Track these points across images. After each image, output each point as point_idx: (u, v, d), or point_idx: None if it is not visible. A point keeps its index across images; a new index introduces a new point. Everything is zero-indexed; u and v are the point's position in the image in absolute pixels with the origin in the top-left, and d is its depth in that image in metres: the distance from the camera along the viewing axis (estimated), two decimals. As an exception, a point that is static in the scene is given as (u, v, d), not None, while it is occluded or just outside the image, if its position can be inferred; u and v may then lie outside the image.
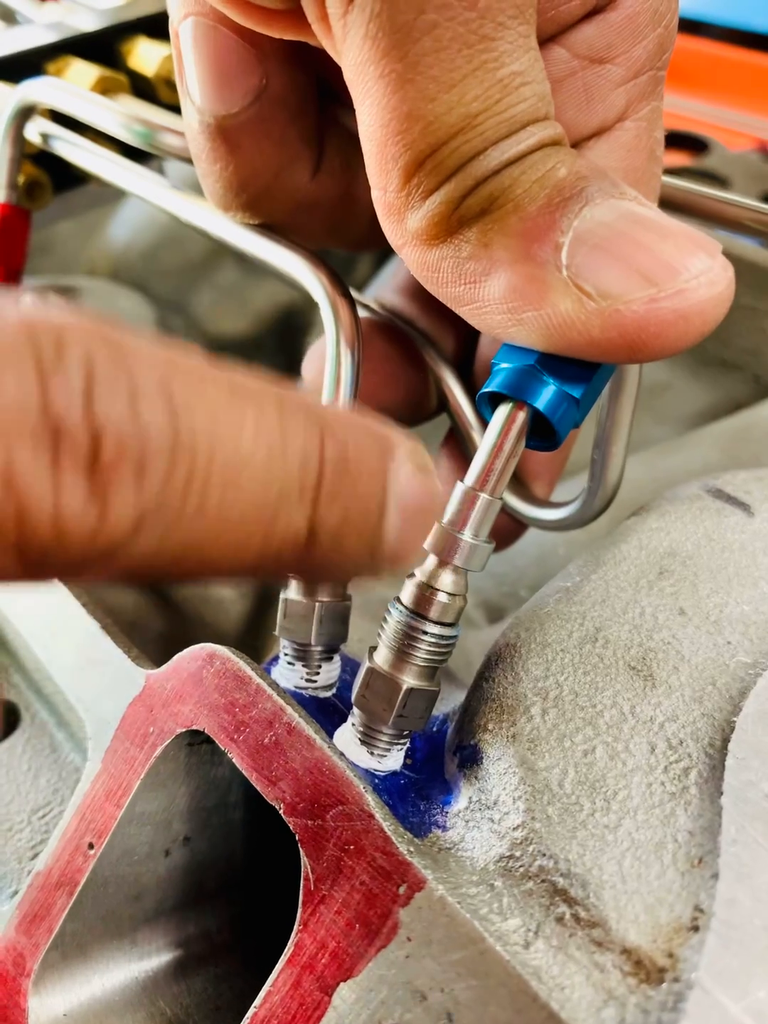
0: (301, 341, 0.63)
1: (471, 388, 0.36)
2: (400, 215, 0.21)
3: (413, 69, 0.19)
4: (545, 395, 0.22)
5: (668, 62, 0.26)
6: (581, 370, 0.22)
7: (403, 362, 0.34)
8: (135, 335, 0.15)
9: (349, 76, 0.21)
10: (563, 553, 0.43)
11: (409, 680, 0.24)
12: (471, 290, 0.21)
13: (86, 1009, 0.28)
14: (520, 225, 0.20)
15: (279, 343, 0.64)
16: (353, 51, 0.20)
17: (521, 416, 0.23)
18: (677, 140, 0.87)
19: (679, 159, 0.86)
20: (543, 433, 0.23)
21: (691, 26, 1.05)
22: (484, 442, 0.23)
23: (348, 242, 0.32)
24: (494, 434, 0.23)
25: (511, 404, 0.23)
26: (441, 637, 0.24)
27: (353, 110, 0.30)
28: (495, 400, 0.24)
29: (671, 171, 0.82)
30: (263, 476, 0.16)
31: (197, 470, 0.15)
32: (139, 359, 0.15)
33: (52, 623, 0.31)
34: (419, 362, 0.34)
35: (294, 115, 0.27)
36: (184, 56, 0.26)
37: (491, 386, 0.23)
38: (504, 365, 0.23)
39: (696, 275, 0.19)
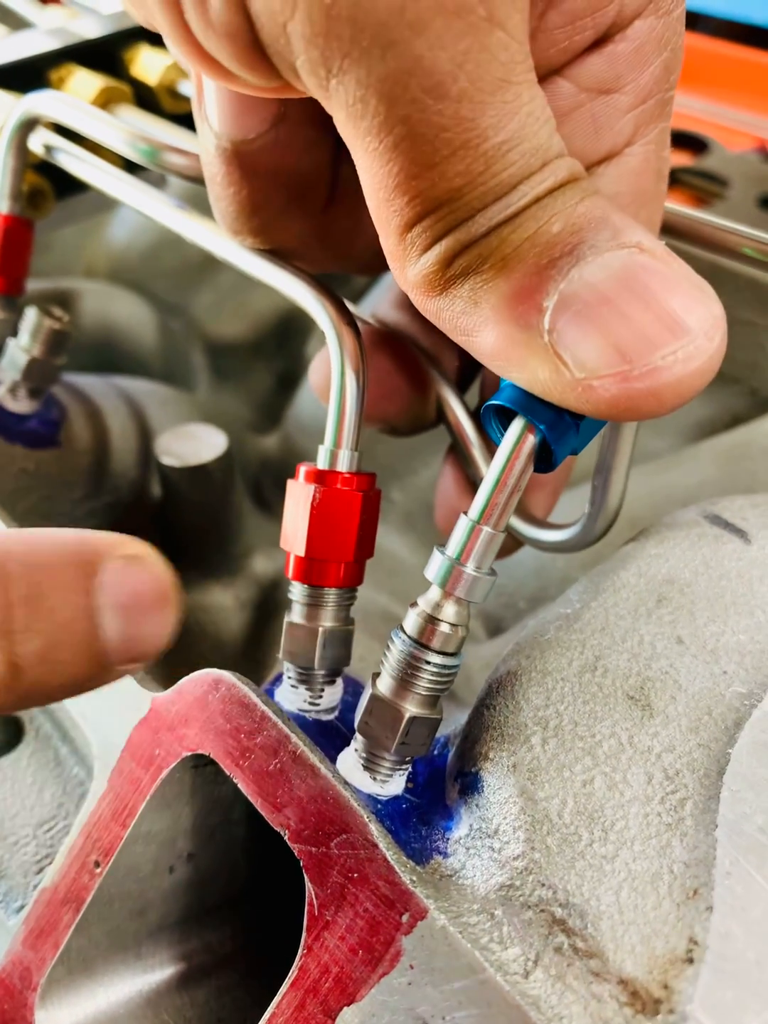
0: (301, 345, 0.64)
1: (473, 401, 0.36)
2: (401, 265, 0.22)
3: (393, 150, 0.20)
4: (549, 417, 0.23)
5: (676, 83, 0.27)
6: None
7: (403, 375, 0.34)
8: None
9: (342, 136, 0.21)
10: (561, 565, 0.44)
11: (412, 708, 0.25)
12: (466, 340, 0.22)
13: (92, 1022, 0.29)
14: (507, 287, 0.20)
15: (278, 346, 0.64)
16: (340, 123, 0.20)
17: (530, 441, 0.23)
18: (676, 139, 0.87)
19: (678, 159, 0.86)
20: (540, 456, 0.24)
21: (689, 19, 1.05)
22: (490, 472, 0.24)
23: (353, 268, 0.32)
24: (500, 465, 0.24)
25: (520, 427, 0.23)
26: (443, 667, 0.25)
27: None
28: (500, 414, 0.24)
29: (670, 171, 0.80)
30: None
31: None
32: None
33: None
34: (419, 375, 0.34)
35: (310, 145, 0.27)
36: (206, 82, 0.26)
37: (498, 400, 0.23)
38: (506, 382, 0.23)
39: (674, 350, 0.19)
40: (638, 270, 0.20)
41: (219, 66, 0.21)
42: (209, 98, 0.26)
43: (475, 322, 0.21)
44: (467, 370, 0.36)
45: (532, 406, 0.23)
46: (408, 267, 0.22)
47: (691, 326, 0.19)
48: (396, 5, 0.18)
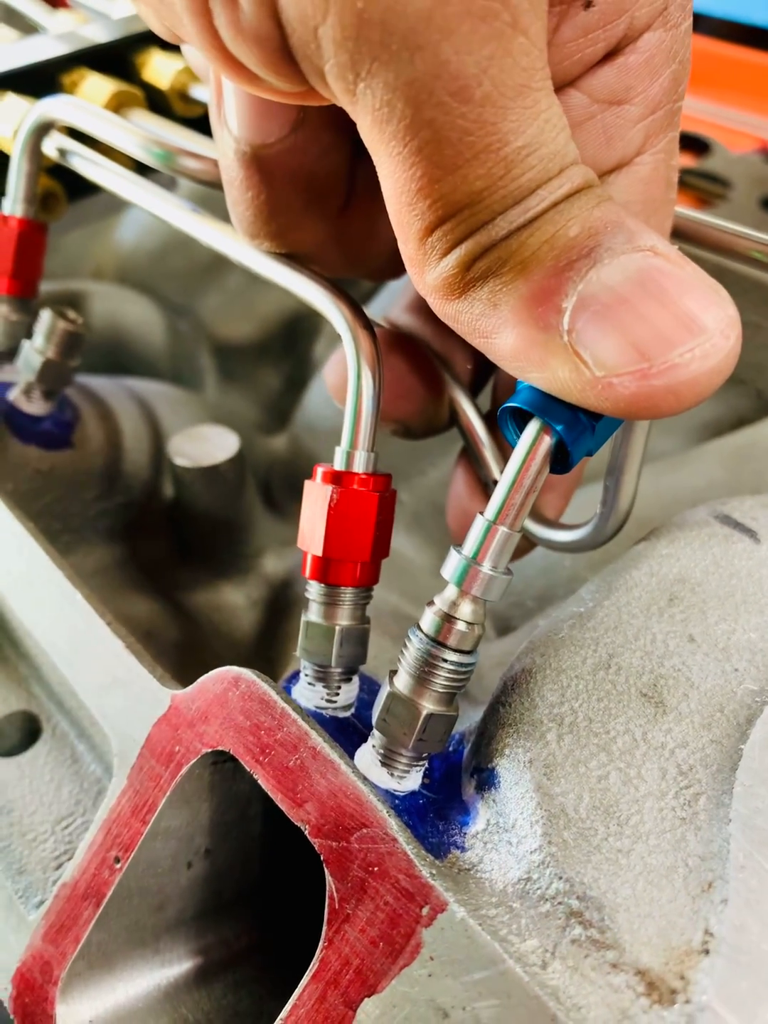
0: (308, 346, 0.64)
1: (485, 405, 0.36)
2: (420, 269, 0.22)
3: (417, 154, 0.20)
4: (565, 418, 0.23)
5: (684, 94, 0.27)
6: None
7: (418, 377, 0.35)
8: None
9: (368, 147, 0.21)
10: (569, 565, 0.44)
11: (429, 705, 0.25)
12: (484, 343, 0.22)
13: (111, 1015, 0.29)
14: (527, 288, 0.21)
15: (286, 348, 0.64)
16: (364, 132, 0.21)
17: (546, 442, 0.23)
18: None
19: (680, 160, 0.86)
20: (556, 457, 0.24)
21: (692, 20, 1.05)
22: (506, 473, 0.24)
23: (366, 273, 0.33)
24: (516, 465, 0.24)
25: (536, 428, 0.23)
26: (460, 664, 0.25)
27: None
28: (516, 416, 0.25)
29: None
30: None
31: None
32: None
33: (76, 640, 0.31)
34: (433, 377, 0.35)
35: (328, 149, 0.27)
36: (225, 87, 0.26)
37: (514, 402, 0.24)
38: (522, 384, 0.24)
39: (691, 348, 0.20)
40: (654, 272, 0.21)
41: (245, 71, 0.22)
42: (228, 103, 0.26)
43: (494, 324, 0.22)
44: (480, 374, 0.36)
45: (548, 408, 0.23)
46: (428, 271, 0.22)
47: (708, 325, 0.20)
48: (425, 9, 0.18)
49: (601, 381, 0.20)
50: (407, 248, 0.22)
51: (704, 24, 1.07)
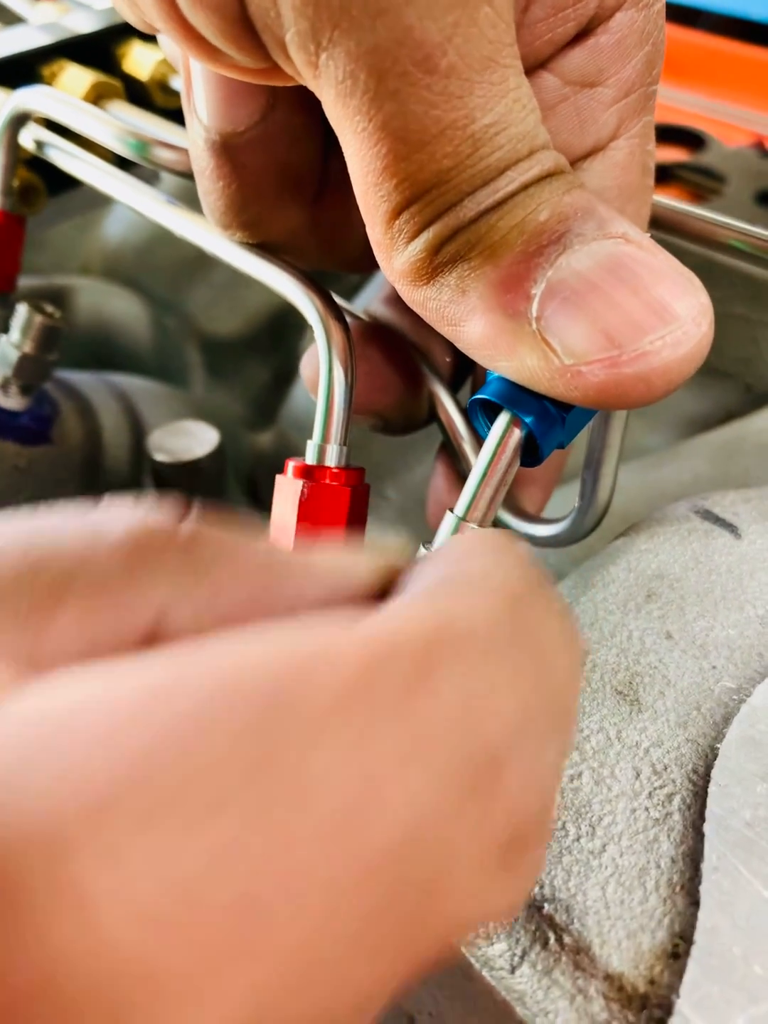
0: (296, 341, 0.63)
1: (465, 398, 0.36)
2: (387, 254, 0.22)
3: (382, 128, 0.19)
4: (535, 409, 0.23)
5: (658, 77, 0.26)
6: None
7: (395, 370, 0.34)
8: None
9: (333, 124, 0.21)
10: (553, 560, 0.44)
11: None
12: (452, 331, 0.22)
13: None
14: (495, 274, 0.20)
15: (273, 343, 0.64)
16: (328, 107, 0.20)
17: (516, 435, 0.23)
18: (673, 135, 0.87)
19: (675, 154, 0.86)
20: (526, 449, 0.24)
21: (687, 15, 1.04)
22: (475, 468, 0.24)
23: (343, 264, 0.32)
24: (485, 459, 0.24)
25: (506, 421, 0.23)
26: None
27: None
28: (486, 409, 0.24)
29: (667, 167, 0.80)
30: None
31: None
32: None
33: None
34: (412, 370, 0.34)
35: (299, 137, 0.27)
36: (194, 75, 0.26)
37: (483, 394, 0.23)
38: (493, 376, 0.23)
39: (662, 335, 0.19)
40: (625, 259, 0.20)
41: (207, 45, 0.21)
42: (197, 91, 0.26)
43: (462, 311, 0.21)
44: (460, 367, 0.36)
45: (517, 399, 0.23)
46: (395, 256, 0.22)
47: (679, 312, 0.19)
48: None
49: (570, 369, 0.20)
50: (374, 233, 0.22)
51: (699, 18, 1.06)
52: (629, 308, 0.19)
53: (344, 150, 0.21)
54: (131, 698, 0.10)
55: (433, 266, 0.21)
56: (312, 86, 0.20)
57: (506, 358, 0.21)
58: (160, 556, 0.17)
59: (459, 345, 0.22)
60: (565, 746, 0.13)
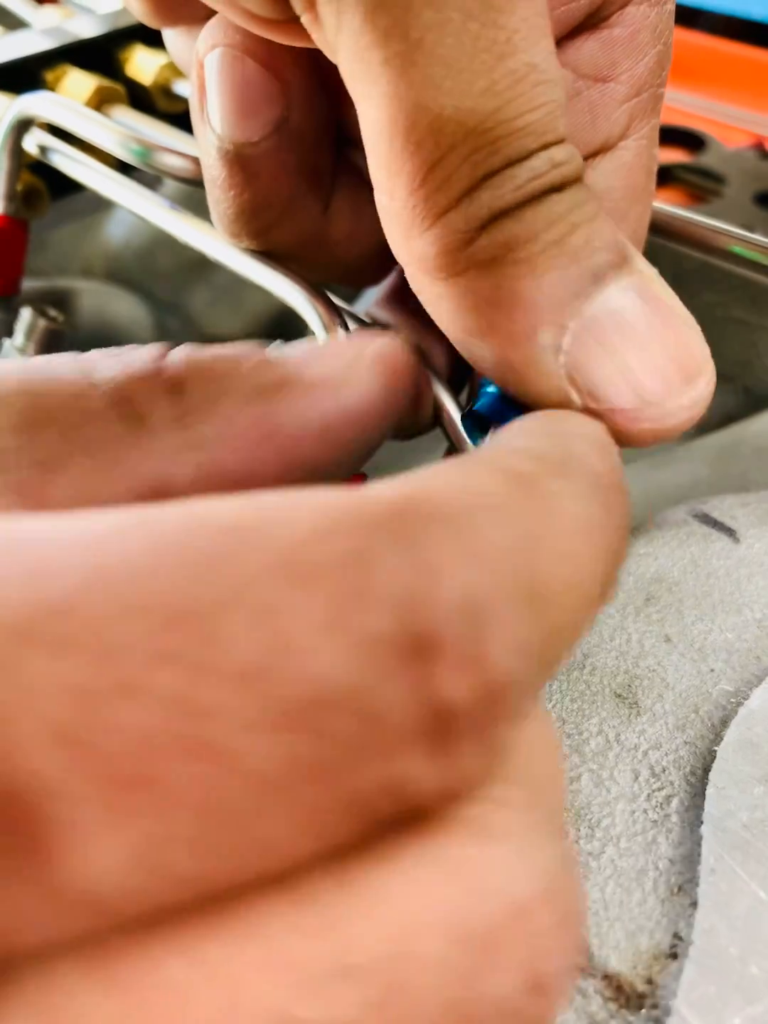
0: (297, 341, 0.64)
1: (468, 402, 0.36)
2: (406, 231, 0.20)
3: (417, 48, 0.17)
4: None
5: (666, 79, 0.27)
6: None
7: (409, 375, 0.34)
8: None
9: (347, 72, 0.19)
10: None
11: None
12: (465, 341, 0.21)
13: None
14: (531, 295, 0.19)
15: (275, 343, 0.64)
16: (351, 39, 0.18)
17: None
18: (673, 136, 0.87)
19: (675, 155, 0.86)
20: None
21: (687, 15, 1.04)
22: None
23: (348, 277, 0.32)
24: None
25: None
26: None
27: (365, 150, 0.30)
28: (479, 420, 0.24)
29: (666, 168, 0.80)
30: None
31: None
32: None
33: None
34: (419, 375, 0.34)
35: (311, 149, 0.27)
36: (208, 85, 0.26)
37: (477, 408, 0.23)
38: (489, 389, 0.23)
39: (685, 394, 0.19)
40: (656, 303, 0.20)
41: None
42: (212, 100, 0.26)
43: (486, 324, 0.19)
44: (458, 371, 0.36)
45: (509, 415, 0.23)
46: (418, 237, 0.19)
47: (702, 372, 0.19)
48: None
49: (590, 410, 0.19)
50: (395, 203, 0.19)
51: (699, 19, 1.06)
52: (659, 362, 0.19)
53: (364, 102, 0.19)
54: (79, 536, 0.11)
55: (463, 258, 0.19)
56: (329, 15, 0.18)
57: (524, 387, 0.20)
58: (152, 407, 0.17)
59: (468, 356, 0.21)
60: (555, 630, 0.12)
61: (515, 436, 0.17)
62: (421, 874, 0.11)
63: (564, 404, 0.19)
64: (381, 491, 0.12)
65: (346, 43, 0.18)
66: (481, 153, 0.18)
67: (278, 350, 0.19)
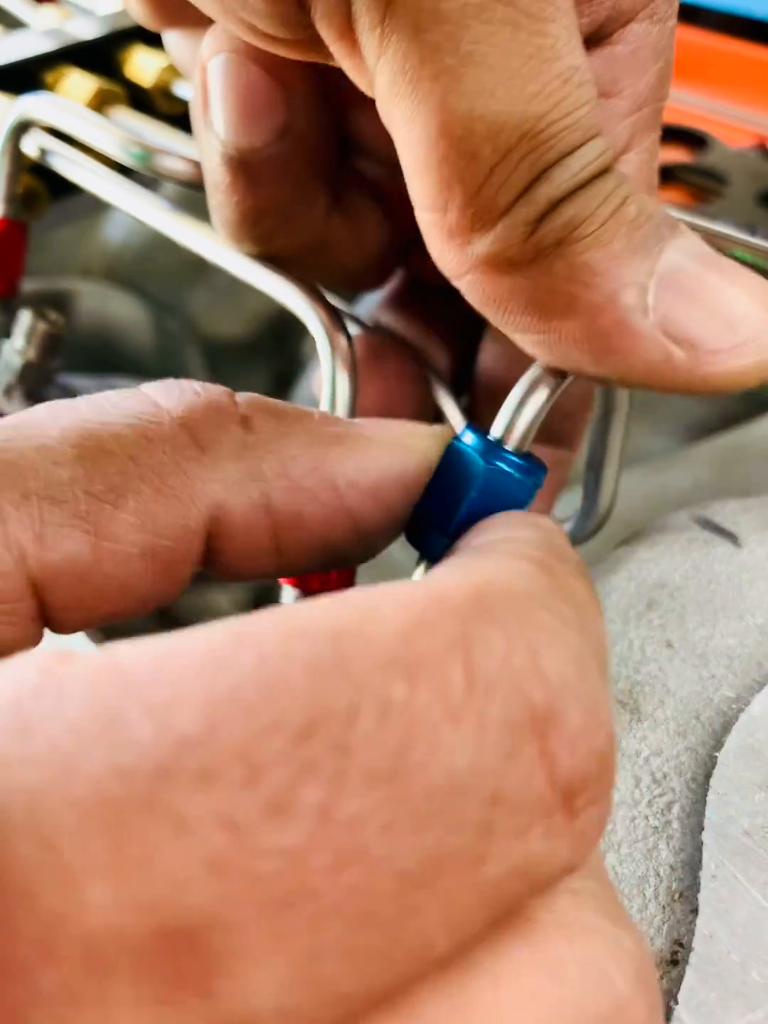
0: (297, 344, 0.64)
1: (469, 407, 0.36)
2: (464, 238, 0.20)
3: (468, 60, 0.18)
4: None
5: (667, 94, 0.27)
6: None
7: (411, 380, 0.34)
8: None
9: (388, 93, 0.19)
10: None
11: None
12: (546, 324, 0.20)
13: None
14: (605, 263, 0.19)
15: (275, 345, 0.64)
16: (397, 59, 0.18)
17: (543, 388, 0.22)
18: (675, 135, 0.87)
19: (677, 155, 0.85)
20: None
21: (688, 13, 1.04)
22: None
23: (347, 283, 0.32)
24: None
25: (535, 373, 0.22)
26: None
27: (369, 157, 0.30)
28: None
29: (668, 168, 0.80)
30: None
31: None
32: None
33: (58, 644, 0.31)
34: (424, 380, 0.35)
35: (315, 155, 0.27)
36: (211, 90, 0.26)
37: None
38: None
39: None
40: (704, 254, 0.20)
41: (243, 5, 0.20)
42: (215, 106, 0.26)
43: (566, 302, 0.19)
44: (459, 374, 0.36)
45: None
46: (477, 239, 0.19)
47: None
48: None
49: (695, 359, 0.19)
50: (448, 216, 0.19)
51: (701, 17, 1.06)
52: (739, 300, 0.19)
53: (409, 123, 0.19)
54: (186, 663, 0.11)
55: (529, 246, 0.19)
56: (370, 41, 0.18)
57: (621, 353, 0.19)
58: (218, 437, 0.17)
59: (544, 339, 0.20)
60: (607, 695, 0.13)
61: (502, 529, 0.17)
62: (527, 981, 0.11)
63: (665, 359, 0.19)
64: (445, 582, 0.13)
65: (389, 65, 0.19)
66: (537, 151, 0.18)
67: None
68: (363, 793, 0.10)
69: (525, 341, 0.21)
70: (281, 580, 0.28)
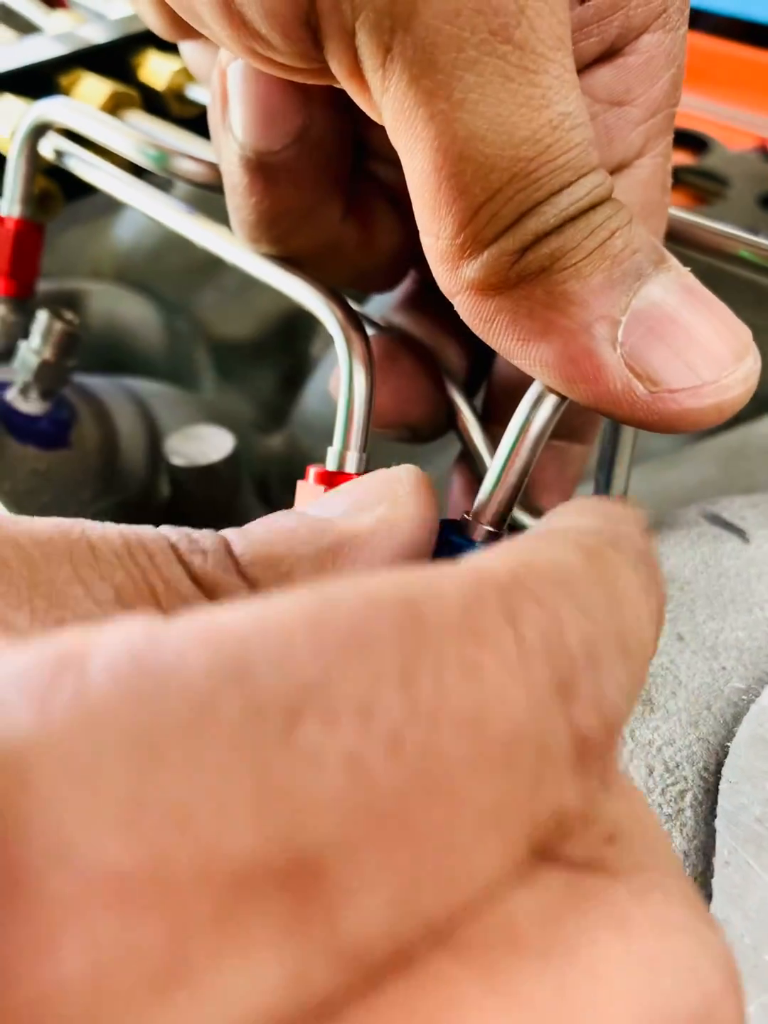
0: (306, 344, 0.64)
1: (485, 406, 0.36)
2: (455, 263, 0.21)
3: (459, 107, 0.19)
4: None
5: (680, 98, 0.27)
6: None
7: (424, 379, 0.35)
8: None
9: (392, 126, 0.20)
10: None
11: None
12: (524, 348, 0.21)
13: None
14: (583, 294, 0.20)
15: (284, 346, 0.65)
16: (397, 99, 0.20)
17: (546, 406, 0.23)
18: (676, 138, 0.87)
19: (678, 158, 0.86)
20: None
21: (691, 16, 1.04)
22: (484, 485, 0.24)
23: (361, 284, 0.33)
24: (505, 454, 0.24)
25: (536, 393, 0.23)
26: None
27: (384, 160, 0.31)
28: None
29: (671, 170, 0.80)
30: None
31: None
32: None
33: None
34: (437, 378, 0.35)
35: (331, 158, 0.28)
36: (231, 95, 0.26)
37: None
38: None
39: (736, 370, 0.20)
40: (687, 291, 0.21)
41: (250, 33, 0.21)
42: (234, 109, 0.26)
43: (541, 327, 0.21)
44: (473, 374, 0.36)
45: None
46: (466, 264, 0.21)
47: (747, 347, 0.21)
48: None
49: (655, 396, 0.20)
50: (441, 242, 0.21)
51: (702, 20, 1.07)
52: (708, 341, 0.20)
53: (408, 155, 0.20)
54: (294, 619, 0.12)
55: (512, 274, 0.20)
56: (375, 80, 0.20)
57: (587, 382, 0.21)
58: (228, 587, 0.18)
59: (523, 363, 0.22)
60: (636, 677, 0.14)
61: (569, 516, 0.18)
62: (623, 973, 0.12)
63: (626, 391, 0.20)
64: (490, 562, 0.14)
65: (391, 104, 0.20)
66: (526, 191, 0.20)
67: (315, 507, 0.20)
68: (455, 735, 0.11)
69: (513, 361, 0.22)
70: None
